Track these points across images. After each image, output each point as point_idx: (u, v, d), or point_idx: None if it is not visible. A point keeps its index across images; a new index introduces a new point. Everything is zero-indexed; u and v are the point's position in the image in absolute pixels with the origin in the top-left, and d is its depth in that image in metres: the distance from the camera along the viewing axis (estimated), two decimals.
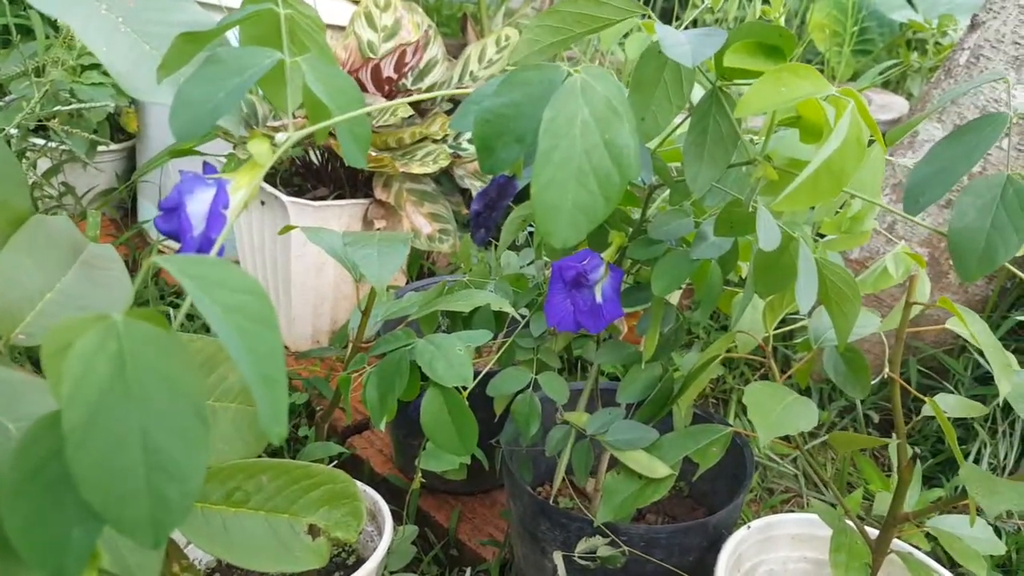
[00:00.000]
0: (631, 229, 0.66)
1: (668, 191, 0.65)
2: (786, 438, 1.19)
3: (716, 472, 0.84)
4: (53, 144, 1.35)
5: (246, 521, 0.52)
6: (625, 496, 0.65)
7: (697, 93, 0.56)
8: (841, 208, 0.71)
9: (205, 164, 0.46)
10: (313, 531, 0.57)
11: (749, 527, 0.74)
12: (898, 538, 0.70)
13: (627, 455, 0.66)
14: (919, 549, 0.69)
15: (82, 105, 1.17)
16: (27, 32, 1.40)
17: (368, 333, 0.81)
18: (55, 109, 1.16)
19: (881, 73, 1.52)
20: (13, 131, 1.22)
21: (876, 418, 1.21)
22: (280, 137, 0.45)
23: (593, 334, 0.63)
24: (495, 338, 0.70)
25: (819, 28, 1.69)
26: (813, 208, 0.70)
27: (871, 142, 0.54)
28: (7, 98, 1.32)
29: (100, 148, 1.46)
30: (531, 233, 1.12)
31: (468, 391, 0.62)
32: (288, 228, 0.75)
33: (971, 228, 0.43)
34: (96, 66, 1.31)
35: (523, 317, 0.71)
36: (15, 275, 0.53)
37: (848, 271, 0.53)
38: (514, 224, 0.70)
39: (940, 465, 1.12)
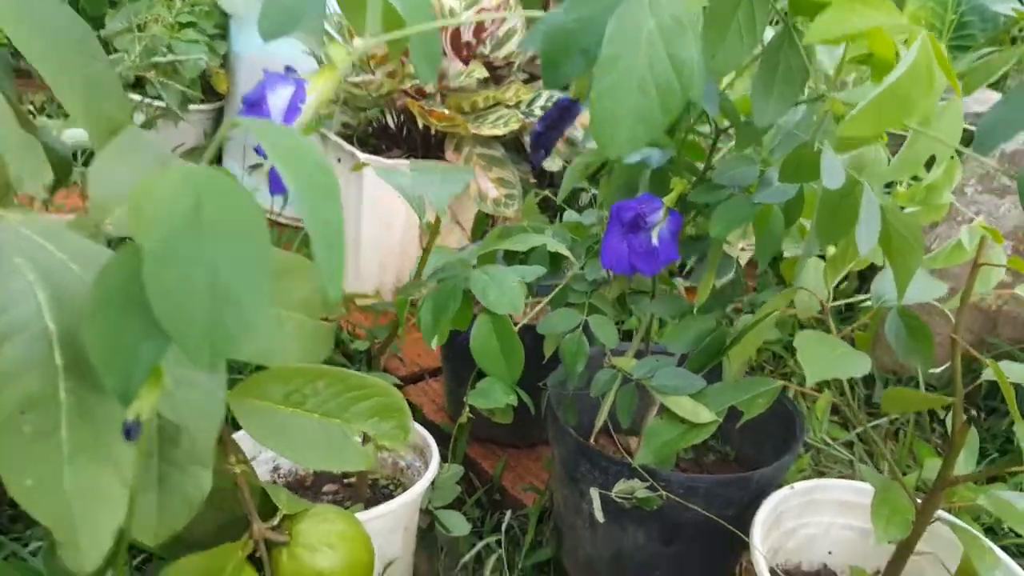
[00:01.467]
0: (695, 178, 0.67)
1: (733, 142, 0.66)
2: (844, 424, 1.17)
3: (764, 438, 0.84)
4: (148, 100, 1.43)
5: (302, 421, 0.55)
6: (666, 439, 0.66)
7: (768, 36, 0.57)
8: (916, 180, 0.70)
9: (287, 67, 0.50)
10: (363, 439, 0.60)
11: (793, 488, 0.74)
12: (947, 510, 0.69)
13: (671, 400, 0.66)
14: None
15: (177, 58, 1.24)
16: None
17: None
18: (153, 60, 1.24)
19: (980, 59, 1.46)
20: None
21: (941, 414, 1.17)
22: (357, 43, 0.48)
23: (647, 276, 0.64)
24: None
25: (915, 19, 1.64)
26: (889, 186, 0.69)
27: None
28: (113, 56, 1.41)
29: (191, 107, 1.54)
30: (595, 196, 1.13)
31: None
32: (360, 165, 0.78)
33: None
34: (192, 23, 1.39)
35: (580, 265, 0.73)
36: (108, 174, 0.57)
37: (912, 219, 0.53)
38: (576, 170, 0.72)
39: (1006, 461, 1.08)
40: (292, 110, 0.45)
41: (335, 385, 0.57)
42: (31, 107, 1.52)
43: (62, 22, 0.46)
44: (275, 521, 0.59)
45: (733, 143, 0.63)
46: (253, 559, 0.58)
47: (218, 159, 1.75)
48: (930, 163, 0.70)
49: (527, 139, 1.21)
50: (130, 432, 0.29)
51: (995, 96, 1.63)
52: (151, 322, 0.29)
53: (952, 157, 0.68)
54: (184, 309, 0.29)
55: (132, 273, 0.31)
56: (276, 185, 0.43)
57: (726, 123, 0.63)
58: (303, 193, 0.33)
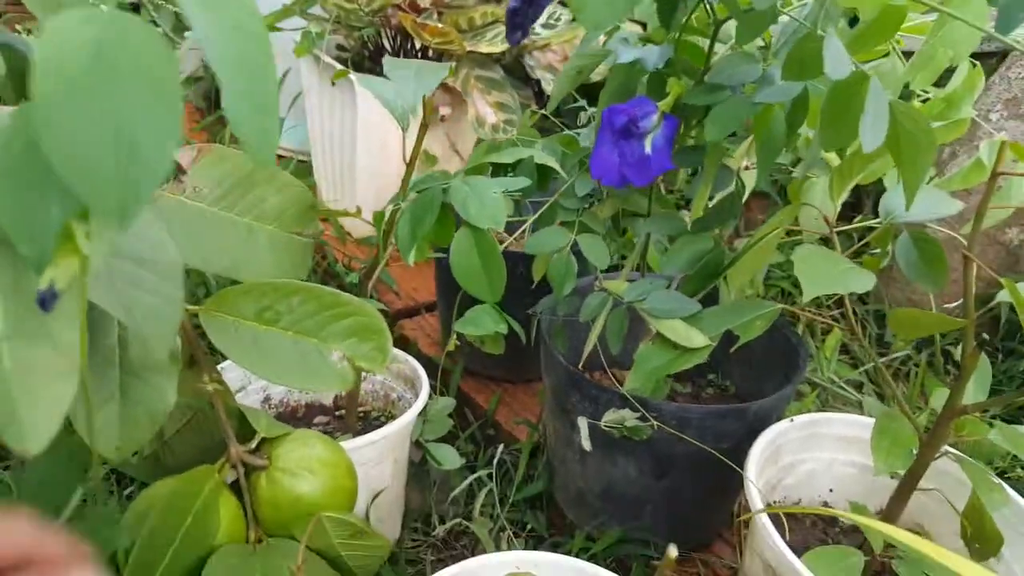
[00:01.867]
0: (694, 82, 0.61)
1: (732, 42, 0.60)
2: (853, 364, 1.13)
3: (766, 373, 0.80)
4: None
5: (275, 339, 0.52)
6: (657, 364, 0.62)
7: None
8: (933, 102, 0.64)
9: None
10: (340, 359, 0.56)
11: (792, 420, 0.70)
12: (955, 446, 0.65)
13: (664, 324, 0.62)
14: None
15: None
16: None
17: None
18: None
19: None
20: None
21: (955, 354, 1.12)
22: None
23: (639, 186, 0.59)
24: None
25: None
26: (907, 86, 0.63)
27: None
28: None
29: (186, 33, 1.49)
30: (593, 116, 1.07)
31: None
32: (342, 73, 0.73)
33: None
34: None
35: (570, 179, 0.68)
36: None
37: (923, 116, 0.48)
38: (568, 75, 0.67)
39: None
40: None
41: (310, 302, 0.54)
42: (19, 30, 1.48)
43: None
44: (253, 444, 0.58)
45: (733, 42, 0.58)
46: (234, 485, 0.56)
47: (217, 90, 1.70)
48: (945, 83, 0.64)
49: (527, 61, 1.15)
50: (44, 302, 0.26)
51: None
52: (57, 181, 0.27)
53: (973, 65, 0.62)
54: (86, 161, 0.26)
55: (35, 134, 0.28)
56: None
57: (724, 22, 0.57)
58: (227, 45, 0.29)
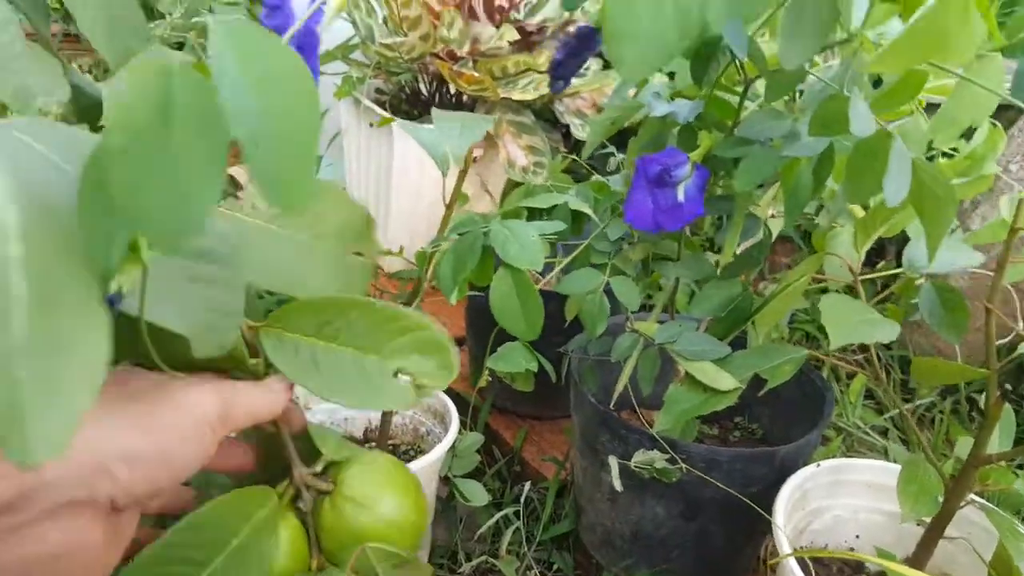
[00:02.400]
0: (723, 135, 0.64)
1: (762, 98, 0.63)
2: (878, 409, 1.13)
3: (793, 417, 0.81)
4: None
5: (336, 356, 0.50)
6: (686, 406, 0.63)
7: None
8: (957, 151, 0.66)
9: None
10: (402, 377, 0.54)
11: (819, 465, 0.71)
12: (981, 495, 0.65)
13: (694, 366, 0.64)
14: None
15: None
16: None
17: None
18: (193, 22, 1.24)
19: None
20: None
21: (980, 401, 1.12)
22: None
23: (671, 231, 0.62)
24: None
25: None
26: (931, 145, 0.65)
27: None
28: (157, 22, 1.42)
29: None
30: (622, 161, 1.10)
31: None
32: (386, 121, 0.77)
33: None
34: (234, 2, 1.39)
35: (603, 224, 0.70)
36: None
37: (944, 174, 0.50)
38: (601, 124, 0.70)
39: None
40: (315, 15, 0.44)
41: (368, 316, 0.51)
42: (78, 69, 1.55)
43: None
44: (319, 468, 0.54)
45: (762, 99, 0.60)
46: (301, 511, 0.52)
47: None
48: (969, 136, 0.66)
49: (558, 107, 1.18)
50: (112, 301, 0.30)
51: None
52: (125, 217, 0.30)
53: (994, 125, 0.65)
54: (145, 203, 0.29)
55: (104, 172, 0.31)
56: (268, 21, 0.42)
57: (756, 82, 0.60)
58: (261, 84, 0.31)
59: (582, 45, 0.53)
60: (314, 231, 0.54)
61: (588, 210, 0.66)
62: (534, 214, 0.70)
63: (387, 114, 1.18)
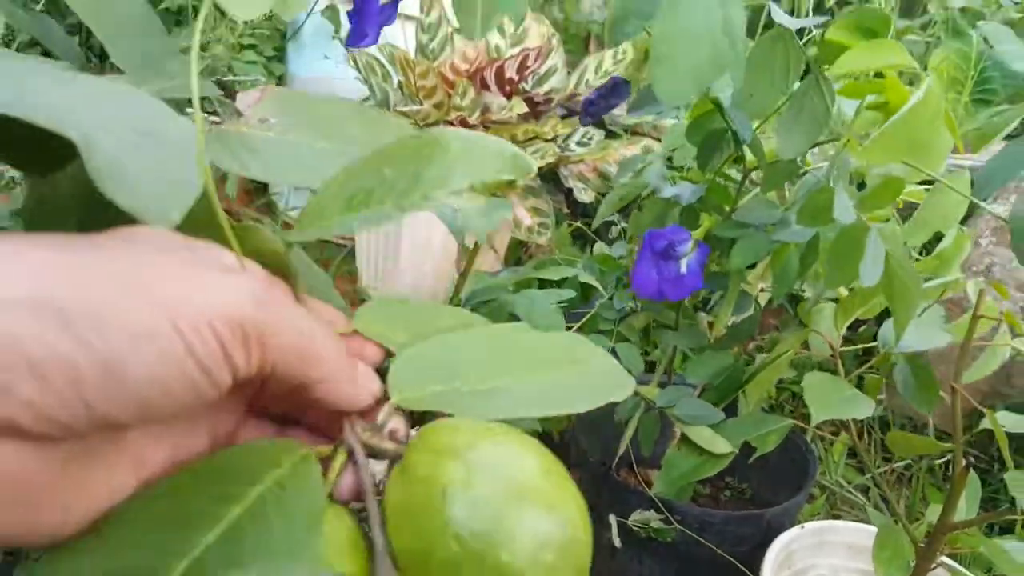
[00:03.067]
0: (721, 218, 0.70)
1: (758, 188, 0.69)
2: (860, 468, 1.18)
3: (780, 478, 0.86)
4: (208, 117, 1.51)
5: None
6: (684, 470, 0.68)
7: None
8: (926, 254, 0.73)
9: None
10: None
11: (803, 527, 0.76)
12: (952, 556, 0.70)
13: (692, 430, 0.69)
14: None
15: (236, 78, 1.31)
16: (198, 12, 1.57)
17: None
18: (214, 79, 1.31)
19: (996, 115, 1.49)
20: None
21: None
22: None
23: (673, 301, 0.68)
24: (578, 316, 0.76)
25: (938, 73, 1.67)
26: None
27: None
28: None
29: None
30: (624, 229, 1.17)
31: None
32: None
33: None
34: (253, 46, 1.46)
35: (609, 295, 0.76)
36: None
37: (912, 265, 0.56)
38: (612, 201, 0.76)
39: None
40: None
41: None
42: None
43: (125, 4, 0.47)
44: (381, 416, 0.28)
45: (759, 189, 0.67)
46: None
47: None
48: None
49: (562, 172, 1.25)
50: None
51: None
52: None
53: (960, 230, 0.72)
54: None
55: None
56: (355, 36, 0.47)
57: (753, 173, 0.67)
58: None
59: (612, 92, 0.60)
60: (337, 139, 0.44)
61: (595, 283, 0.72)
62: (544, 283, 0.76)
63: None
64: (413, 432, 0.28)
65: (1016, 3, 1.87)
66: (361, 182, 0.31)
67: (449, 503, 0.23)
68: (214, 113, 1.58)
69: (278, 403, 0.28)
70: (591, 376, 0.30)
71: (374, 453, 0.26)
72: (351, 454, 0.26)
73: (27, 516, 0.21)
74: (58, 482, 0.21)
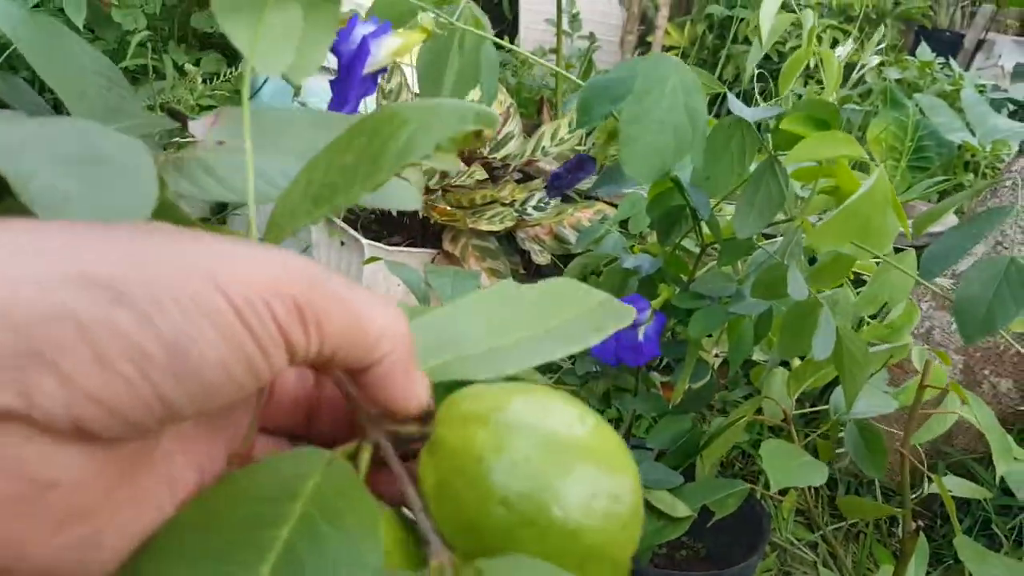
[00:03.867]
0: (679, 289, 0.74)
1: (715, 262, 0.73)
2: (809, 525, 1.22)
3: (734, 536, 0.88)
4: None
5: None
6: (645, 534, 0.70)
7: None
8: (876, 318, 0.77)
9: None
10: None
11: None
12: None
13: (654, 494, 0.71)
14: None
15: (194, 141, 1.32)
16: (158, 73, 1.58)
17: None
18: (171, 141, 1.31)
19: (932, 188, 1.59)
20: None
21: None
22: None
23: (631, 367, 0.70)
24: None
25: (877, 142, 1.78)
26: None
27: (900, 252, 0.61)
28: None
29: None
30: None
31: None
32: (372, 259, 0.85)
33: (975, 297, 0.50)
34: (212, 107, 1.47)
35: (571, 360, 0.78)
36: None
37: (862, 340, 0.60)
38: (574, 271, 0.79)
39: None
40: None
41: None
42: None
43: (81, 55, 0.47)
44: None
45: (715, 262, 0.70)
46: None
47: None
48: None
49: (519, 235, 1.28)
50: None
51: (949, 217, 1.76)
52: None
53: (910, 301, 0.76)
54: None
55: None
56: (337, 104, 0.49)
57: (709, 246, 0.71)
58: None
59: (578, 166, 0.63)
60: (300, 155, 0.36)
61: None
62: None
63: (357, 234, 1.25)
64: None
65: (948, 76, 2.02)
66: (323, 177, 0.29)
67: (487, 470, 0.22)
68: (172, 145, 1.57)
69: (284, 416, 0.26)
70: (592, 312, 0.29)
71: (398, 441, 0.24)
72: (376, 447, 0.24)
73: (89, 537, 0.18)
74: (118, 493, 0.18)
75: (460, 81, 0.63)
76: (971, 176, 1.89)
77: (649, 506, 0.72)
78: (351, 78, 0.52)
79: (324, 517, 0.20)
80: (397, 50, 0.53)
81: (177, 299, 0.17)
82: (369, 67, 0.51)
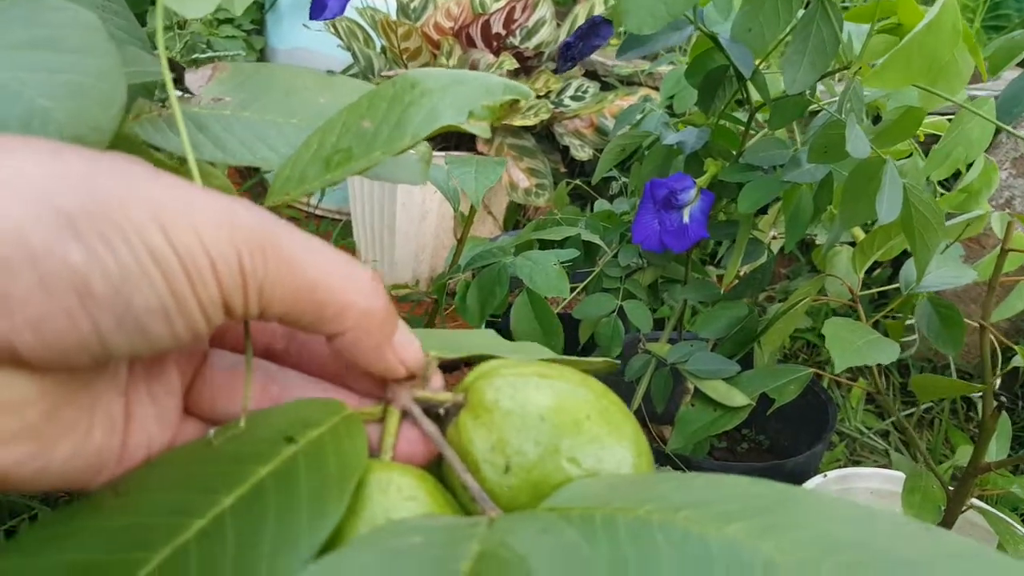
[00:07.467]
0: (727, 163, 0.67)
1: (766, 129, 0.66)
2: (879, 414, 1.16)
3: (798, 427, 0.84)
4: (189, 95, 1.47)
5: None
6: (699, 425, 0.66)
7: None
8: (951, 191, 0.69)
9: None
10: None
11: (825, 476, 0.74)
12: (980, 498, 0.68)
13: (707, 384, 0.67)
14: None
15: (216, 54, 1.27)
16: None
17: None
18: (193, 57, 1.27)
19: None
20: None
21: (977, 402, 1.16)
22: None
23: (677, 253, 0.65)
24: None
25: None
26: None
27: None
28: (154, 52, 1.44)
29: None
30: (625, 184, 1.13)
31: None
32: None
33: None
34: (230, 20, 1.41)
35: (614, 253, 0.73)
36: None
37: (933, 199, 0.53)
38: (611, 153, 0.73)
39: None
40: None
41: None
42: None
43: None
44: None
45: (766, 129, 0.63)
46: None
47: None
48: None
49: (557, 129, 1.21)
50: None
51: None
52: None
53: (988, 160, 0.68)
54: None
55: None
56: (317, 8, 0.46)
57: (758, 110, 0.63)
58: None
59: (592, 32, 0.56)
60: (301, 115, 0.36)
61: (599, 240, 0.69)
62: (545, 245, 0.73)
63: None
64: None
65: None
66: (337, 142, 0.29)
67: (553, 427, 0.23)
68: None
69: (322, 362, 0.25)
70: None
71: (427, 407, 0.25)
72: (405, 412, 0.25)
73: (40, 452, 0.19)
74: (64, 413, 0.19)
75: None
76: None
77: (704, 397, 0.68)
78: None
79: (308, 464, 0.21)
80: None
81: (129, 240, 0.17)
82: None
